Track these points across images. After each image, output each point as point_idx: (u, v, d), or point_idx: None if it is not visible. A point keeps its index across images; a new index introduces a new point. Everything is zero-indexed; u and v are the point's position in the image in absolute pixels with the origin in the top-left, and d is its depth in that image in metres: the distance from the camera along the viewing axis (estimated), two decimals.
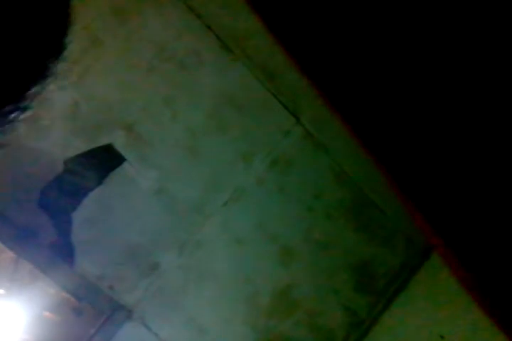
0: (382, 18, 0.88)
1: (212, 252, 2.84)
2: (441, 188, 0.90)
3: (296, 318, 3.00)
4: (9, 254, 2.60)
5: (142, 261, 2.72)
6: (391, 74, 0.90)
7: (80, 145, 2.54)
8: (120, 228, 2.66)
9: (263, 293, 2.93)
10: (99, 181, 2.58)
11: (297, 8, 0.98)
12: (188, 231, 2.79)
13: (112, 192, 2.62)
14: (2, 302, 2.70)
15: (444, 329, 2.81)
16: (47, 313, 2.73)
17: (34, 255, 2.54)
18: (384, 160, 0.96)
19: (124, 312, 2.70)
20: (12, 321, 2.68)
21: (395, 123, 0.91)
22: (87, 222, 2.59)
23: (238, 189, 2.84)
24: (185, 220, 2.78)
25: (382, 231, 3.13)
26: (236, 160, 2.84)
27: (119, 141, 2.61)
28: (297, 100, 2.87)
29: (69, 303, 2.70)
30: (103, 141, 2.58)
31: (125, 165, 2.62)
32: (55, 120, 2.49)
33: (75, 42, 2.48)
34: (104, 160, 2.59)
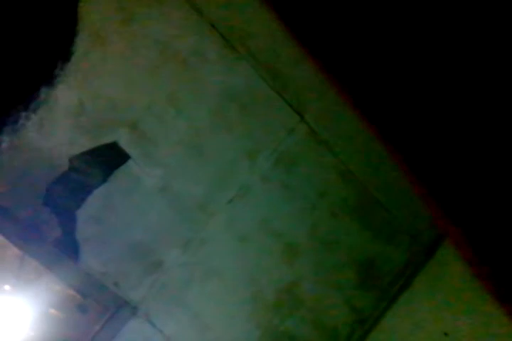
0: (392, 13, 0.88)
1: (216, 249, 2.85)
2: (456, 175, 0.90)
3: (300, 315, 3.00)
4: (15, 251, 2.61)
5: (147, 258, 2.73)
6: (407, 65, 0.90)
7: (85, 143, 2.56)
8: (125, 225, 2.67)
9: (267, 290, 2.94)
10: (104, 178, 2.60)
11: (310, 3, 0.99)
12: (192, 228, 2.80)
13: (116, 190, 2.63)
14: (8, 299, 2.71)
15: (447, 327, 2.81)
16: (52, 310, 2.74)
17: (39, 252, 2.56)
18: (400, 148, 0.96)
19: (128, 309, 2.72)
20: (18, 317, 2.69)
21: (410, 111, 0.91)
22: (92, 219, 2.60)
23: (243, 187, 2.85)
24: (190, 218, 2.79)
25: (387, 228, 3.13)
26: (241, 158, 2.84)
27: (124, 139, 2.62)
28: (301, 98, 2.87)
29: (74, 300, 2.72)
30: (108, 138, 2.59)
31: (129, 162, 2.64)
32: (60, 118, 2.50)
33: (80, 42, 2.49)
34: (108, 158, 2.60)
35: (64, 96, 2.47)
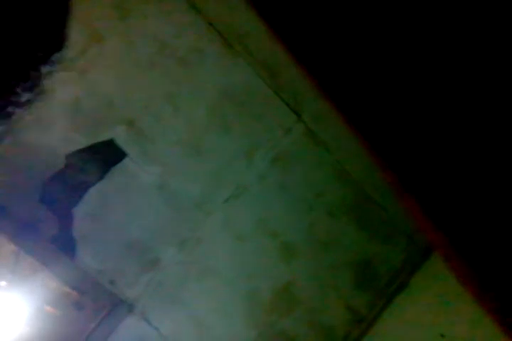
0: (384, 14, 0.88)
1: (213, 248, 2.85)
2: (444, 185, 0.90)
3: (297, 315, 3.00)
4: (11, 247, 2.62)
5: (143, 256, 2.73)
6: (394, 71, 0.90)
7: (82, 140, 2.56)
8: (121, 223, 2.68)
9: (264, 290, 2.94)
10: (101, 176, 2.60)
11: (299, 5, 0.99)
12: (189, 227, 2.80)
13: (113, 188, 2.63)
14: (3, 295, 2.72)
15: (444, 328, 2.80)
16: (48, 307, 2.75)
17: (35, 248, 2.56)
18: (386, 157, 0.96)
19: (124, 307, 2.72)
20: (13, 313, 2.70)
21: (397, 120, 0.91)
22: (89, 217, 2.61)
23: (239, 186, 2.85)
24: (187, 216, 2.79)
25: (384, 229, 3.13)
26: (238, 157, 2.85)
27: (121, 137, 2.62)
28: (298, 97, 2.87)
29: (70, 297, 2.72)
30: (104, 136, 2.60)
31: (126, 160, 2.64)
32: (57, 115, 2.51)
33: (77, 38, 2.51)
34: (105, 156, 2.61)
35: (61, 93, 2.48)
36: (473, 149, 0.95)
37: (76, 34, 2.46)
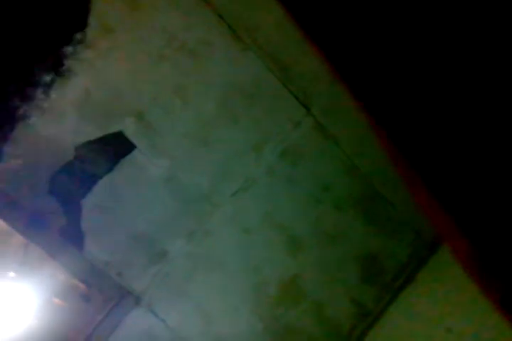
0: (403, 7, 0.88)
1: (220, 241, 2.85)
2: (459, 177, 0.89)
3: (303, 308, 3.01)
4: (19, 238, 2.63)
5: (151, 248, 2.74)
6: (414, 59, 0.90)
7: (91, 132, 2.56)
8: (130, 215, 2.68)
9: (270, 283, 2.94)
10: (110, 168, 2.61)
11: None
12: (197, 219, 2.80)
13: (122, 180, 2.64)
14: (12, 285, 2.73)
15: (451, 323, 2.80)
16: (55, 299, 2.76)
17: (44, 240, 2.57)
18: (397, 143, 0.95)
19: (132, 299, 2.73)
20: (22, 304, 2.71)
21: (417, 108, 0.91)
22: (97, 209, 2.61)
23: (248, 179, 2.85)
24: (195, 209, 2.80)
25: (391, 223, 3.13)
26: (246, 151, 2.85)
27: (130, 129, 2.62)
28: (308, 90, 2.87)
29: (77, 289, 2.73)
30: (114, 128, 2.60)
31: (135, 152, 2.64)
32: (67, 107, 2.51)
33: (87, 31, 2.49)
34: (114, 148, 2.61)
35: (71, 85, 2.48)
36: (491, 142, 0.94)
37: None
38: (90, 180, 2.59)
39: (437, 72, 0.92)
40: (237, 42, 2.73)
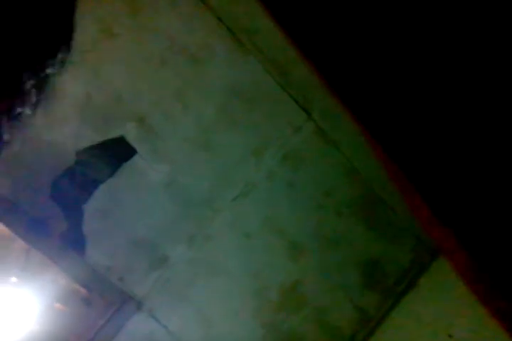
0: (394, 13, 0.88)
1: (221, 246, 2.85)
2: (451, 183, 0.90)
3: (304, 314, 3.00)
4: (21, 244, 2.63)
5: (152, 253, 2.74)
6: (403, 70, 0.90)
7: (92, 137, 2.57)
8: (130, 220, 2.69)
9: (272, 288, 2.94)
10: (111, 173, 2.61)
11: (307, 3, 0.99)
12: (197, 224, 2.81)
13: (122, 184, 2.64)
14: (14, 291, 2.73)
15: (452, 329, 2.79)
16: (57, 304, 2.76)
17: (45, 245, 2.57)
18: (394, 156, 0.96)
19: (133, 304, 2.73)
20: (23, 309, 2.71)
21: (407, 120, 0.91)
22: (98, 214, 2.62)
23: (248, 184, 2.86)
24: (195, 214, 2.80)
25: (392, 228, 3.12)
26: (247, 155, 2.85)
27: (131, 133, 2.63)
28: (308, 95, 2.87)
29: (79, 294, 2.73)
30: (115, 133, 2.61)
31: (136, 157, 2.65)
32: (68, 111, 2.52)
33: (88, 34, 2.51)
34: (115, 152, 2.62)
35: (71, 89, 2.49)
36: (482, 146, 0.94)
37: (87, 30, 2.47)
38: (91, 185, 2.59)
39: (428, 86, 0.92)
40: (238, 47, 2.74)
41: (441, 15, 0.92)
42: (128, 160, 2.64)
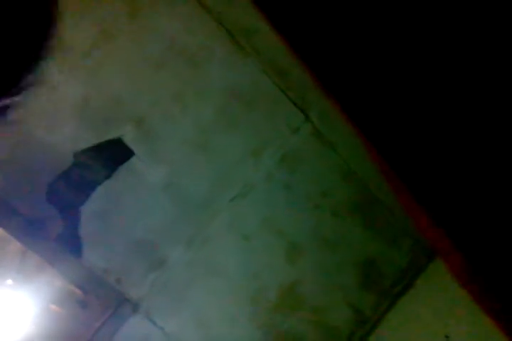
0: (390, 15, 0.88)
1: (219, 248, 2.85)
2: (449, 187, 0.89)
3: (302, 315, 3.00)
4: (17, 245, 2.62)
5: (149, 255, 2.73)
6: (399, 72, 0.89)
7: (90, 139, 2.56)
8: (128, 222, 2.67)
9: (269, 289, 2.94)
10: (108, 175, 2.60)
11: (303, 5, 0.99)
12: (195, 226, 2.80)
13: (120, 186, 2.63)
14: (9, 293, 2.72)
15: (449, 329, 2.80)
16: (53, 306, 2.75)
17: (41, 247, 2.56)
18: (389, 158, 0.96)
19: (130, 306, 2.72)
20: (19, 312, 2.70)
21: (402, 121, 0.91)
22: (95, 216, 2.60)
23: (246, 185, 2.85)
24: (193, 215, 2.79)
25: (389, 229, 3.12)
26: (245, 156, 2.84)
27: (129, 135, 2.62)
28: (306, 97, 2.87)
29: (75, 296, 2.72)
30: (113, 134, 2.59)
31: (134, 159, 2.64)
32: (66, 113, 2.51)
33: (87, 35, 2.50)
34: (113, 154, 2.61)
35: (69, 91, 2.48)
36: (477, 148, 0.94)
37: (85, 32, 2.45)
38: (89, 187, 2.58)
39: (424, 87, 0.92)
40: (237, 49, 2.73)
41: (439, 15, 0.91)
42: (126, 162, 2.62)
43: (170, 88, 2.67)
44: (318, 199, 2.99)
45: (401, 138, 0.98)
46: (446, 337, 2.80)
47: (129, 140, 2.62)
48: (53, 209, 2.54)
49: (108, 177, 2.60)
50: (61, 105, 2.48)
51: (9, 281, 2.72)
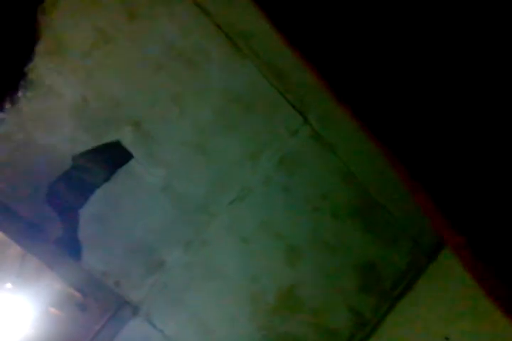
0: (392, 16, 0.88)
1: (217, 250, 2.85)
2: (458, 180, 0.90)
3: (301, 317, 3.00)
4: (16, 249, 2.62)
5: (148, 258, 2.73)
6: (402, 70, 0.90)
7: (88, 141, 2.56)
8: (127, 225, 2.67)
9: (268, 292, 2.93)
10: (107, 177, 2.60)
11: (304, 5, 0.99)
12: (194, 229, 2.80)
13: (119, 189, 2.63)
14: (9, 297, 2.72)
15: (449, 331, 2.80)
16: (53, 309, 2.75)
17: (41, 250, 2.56)
18: (399, 155, 0.96)
19: (129, 309, 2.71)
20: (19, 315, 2.69)
21: (407, 118, 0.91)
22: (94, 218, 2.61)
23: (245, 188, 2.85)
24: (192, 218, 2.79)
25: (389, 232, 3.12)
26: (243, 159, 2.84)
27: (127, 138, 2.62)
28: (305, 99, 2.87)
29: (74, 299, 2.72)
30: (111, 137, 2.60)
31: (132, 161, 2.64)
32: (64, 116, 2.51)
33: (85, 38, 2.50)
34: (111, 157, 2.61)
35: (67, 93, 2.48)
36: (490, 145, 0.94)
37: (84, 35, 2.46)
38: (87, 190, 2.58)
39: (430, 81, 0.92)
40: (235, 51, 2.73)
41: (439, 15, 0.92)
42: (124, 165, 2.62)
43: (168, 90, 2.67)
44: (318, 201, 2.99)
45: (415, 138, 0.98)
46: (446, 338, 2.80)
47: (127, 142, 2.62)
48: (52, 212, 2.54)
49: (107, 179, 2.60)
50: (60, 107, 2.48)
51: (9, 285, 2.72)
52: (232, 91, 2.77)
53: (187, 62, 2.68)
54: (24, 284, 2.72)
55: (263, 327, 2.93)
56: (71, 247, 2.58)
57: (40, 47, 2.27)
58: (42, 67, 2.39)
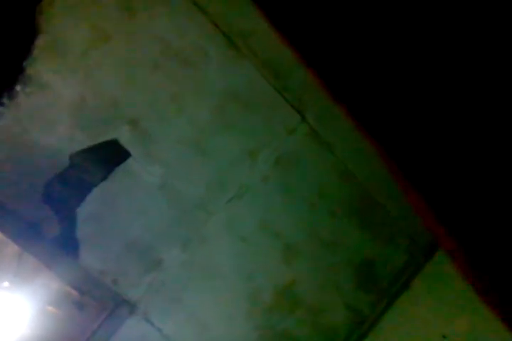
0: (390, 15, 0.88)
1: (215, 249, 2.85)
2: (451, 180, 0.90)
3: (299, 315, 3.00)
4: (13, 248, 2.61)
5: (146, 256, 2.73)
6: (400, 70, 0.89)
7: (86, 140, 2.55)
8: (124, 223, 2.67)
9: (266, 290, 2.94)
10: (104, 176, 2.60)
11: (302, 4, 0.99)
12: (192, 227, 2.80)
13: (116, 188, 2.63)
14: (6, 295, 2.71)
15: (446, 329, 2.80)
16: (50, 307, 2.74)
17: (38, 249, 2.55)
18: (393, 155, 0.96)
19: (127, 307, 2.71)
20: (16, 314, 2.69)
21: (404, 118, 0.91)
22: (92, 217, 2.60)
23: (243, 186, 2.85)
24: (190, 216, 2.79)
25: (386, 229, 3.13)
26: (241, 158, 2.84)
27: (125, 137, 2.62)
28: (303, 98, 2.87)
29: (71, 298, 2.72)
30: (109, 136, 2.59)
31: (130, 160, 2.64)
32: (62, 114, 2.50)
33: (83, 38, 2.49)
34: (109, 155, 2.60)
35: (65, 92, 2.48)
36: (484, 146, 0.94)
37: (82, 34, 2.45)
38: (85, 188, 2.57)
39: (428, 81, 0.92)
40: (232, 50, 2.73)
41: (440, 13, 0.91)
42: (121, 163, 2.62)
43: (166, 89, 2.67)
44: (315, 199, 2.99)
45: (409, 138, 0.98)
46: (444, 336, 2.80)
47: (125, 141, 2.61)
48: (49, 211, 2.53)
49: (104, 178, 2.60)
50: (57, 106, 2.47)
51: (6, 283, 2.71)
52: (230, 90, 2.76)
53: (184, 61, 2.67)
54: (21, 283, 2.72)
55: (260, 325, 2.93)
56: (68, 246, 2.57)
57: (38, 45, 2.26)
58: (40, 65, 2.38)
